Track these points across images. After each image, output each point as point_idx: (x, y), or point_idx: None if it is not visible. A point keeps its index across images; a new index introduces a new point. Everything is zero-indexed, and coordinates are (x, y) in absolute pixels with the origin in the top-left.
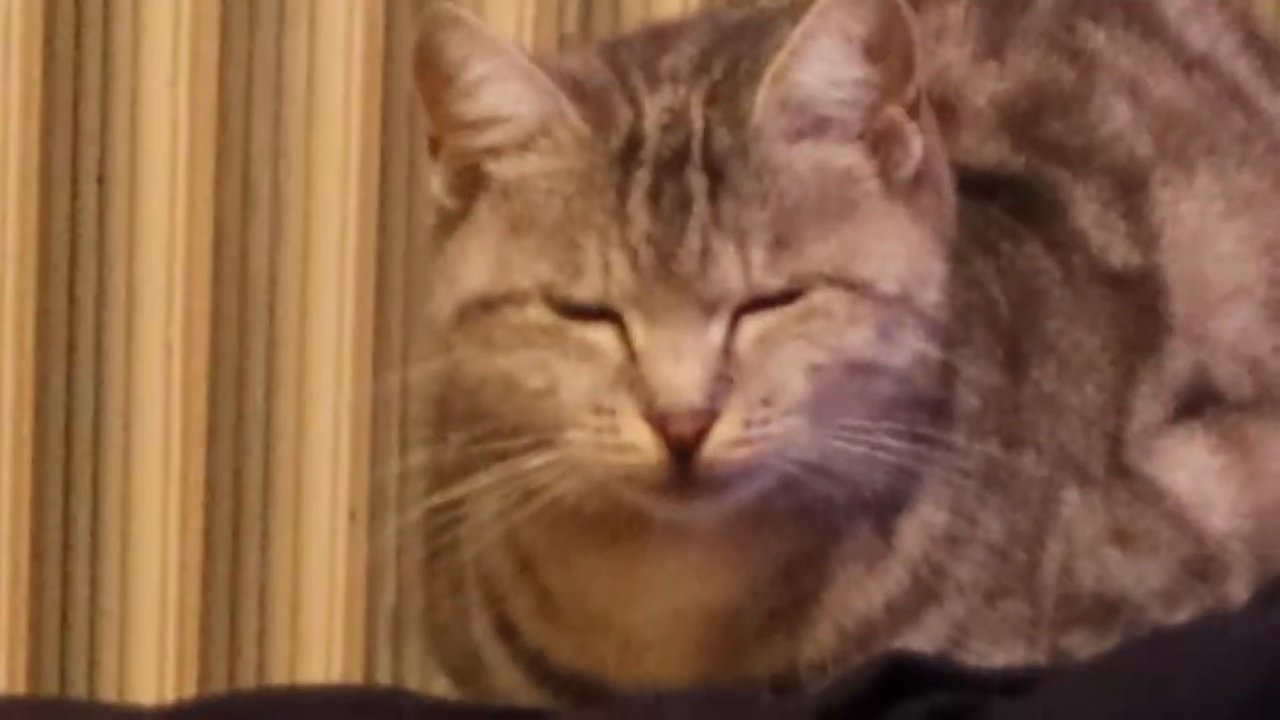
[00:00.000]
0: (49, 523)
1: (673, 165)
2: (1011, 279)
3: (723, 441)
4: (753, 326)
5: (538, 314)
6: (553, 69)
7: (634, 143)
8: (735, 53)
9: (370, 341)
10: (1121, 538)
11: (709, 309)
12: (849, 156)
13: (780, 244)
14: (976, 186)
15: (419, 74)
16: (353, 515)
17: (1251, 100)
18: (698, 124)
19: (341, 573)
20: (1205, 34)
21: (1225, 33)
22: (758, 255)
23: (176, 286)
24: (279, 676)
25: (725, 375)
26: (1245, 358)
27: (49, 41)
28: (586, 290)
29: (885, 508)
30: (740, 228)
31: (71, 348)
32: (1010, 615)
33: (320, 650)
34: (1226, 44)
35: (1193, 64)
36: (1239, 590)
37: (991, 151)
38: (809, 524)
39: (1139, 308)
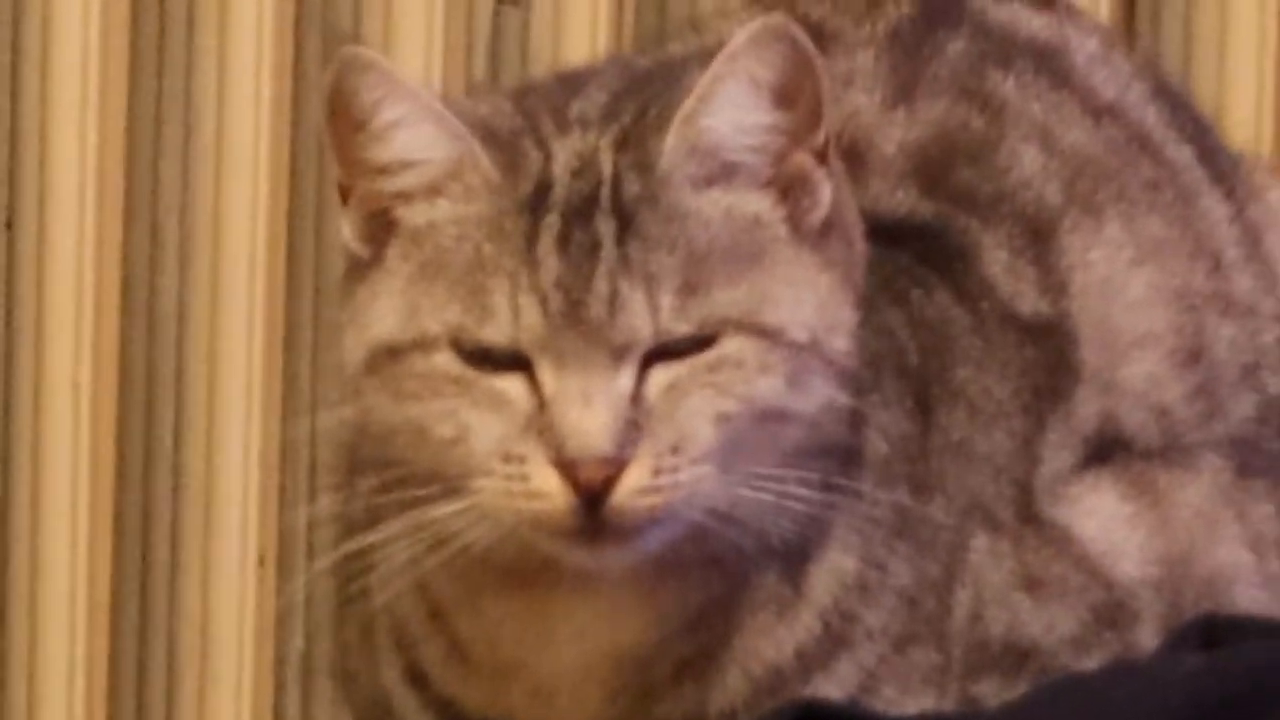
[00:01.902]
0: None
1: (582, 211)
2: (921, 327)
3: (632, 489)
4: (662, 375)
5: (445, 362)
6: (464, 113)
7: (543, 188)
8: (645, 98)
9: (279, 386)
10: (1031, 584)
11: (618, 355)
12: (757, 203)
13: (689, 289)
14: (886, 234)
15: (330, 118)
16: (261, 559)
17: (1159, 148)
18: (607, 170)
19: (250, 617)
20: (1113, 82)
21: (1133, 81)
22: (666, 300)
23: (85, 328)
24: None
25: (634, 422)
26: (1154, 405)
27: None
28: (495, 334)
29: (794, 555)
30: (649, 273)
31: None
32: (920, 662)
33: (229, 695)
34: (1135, 92)
35: (1101, 112)
36: (1148, 637)
37: (901, 199)
38: (718, 572)
39: (1048, 355)
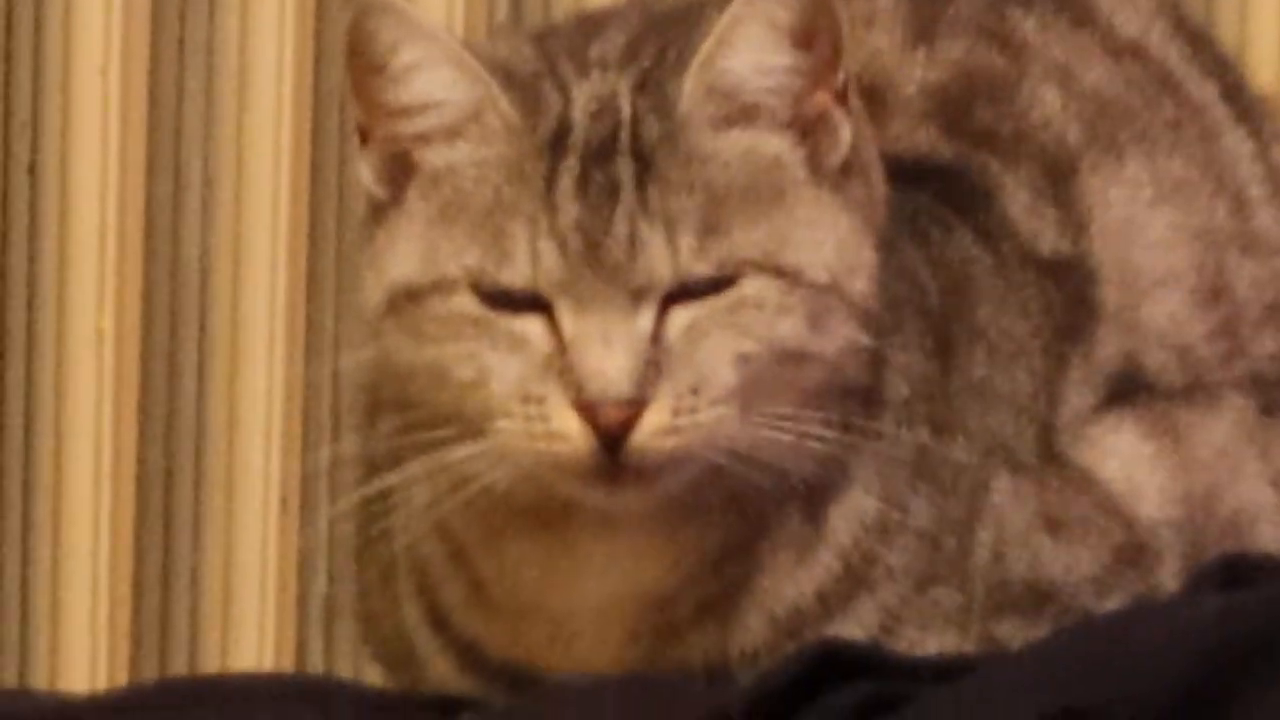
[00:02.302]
0: None
1: (601, 153)
2: (941, 267)
3: (651, 430)
4: (682, 316)
5: (465, 304)
6: (484, 56)
7: (563, 131)
8: (664, 41)
9: (302, 329)
10: (1052, 525)
11: (637, 296)
12: (777, 144)
13: (708, 230)
14: (906, 174)
15: (350, 61)
16: (284, 503)
17: (1181, 87)
18: (626, 112)
19: (273, 560)
20: (1135, 21)
21: (1155, 20)
22: (686, 241)
23: (108, 274)
24: (211, 664)
25: (654, 363)
26: (1175, 345)
27: None
28: (515, 276)
29: (815, 496)
30: (668, 215)
31: (3, 335)
32: (941, 602)
33: (252, 638)
34: (1156, 31)
35: (1123, 51)
36: (1169, 578)
37: (921, 139)
38: (739, 512)
39: (1069, 295)
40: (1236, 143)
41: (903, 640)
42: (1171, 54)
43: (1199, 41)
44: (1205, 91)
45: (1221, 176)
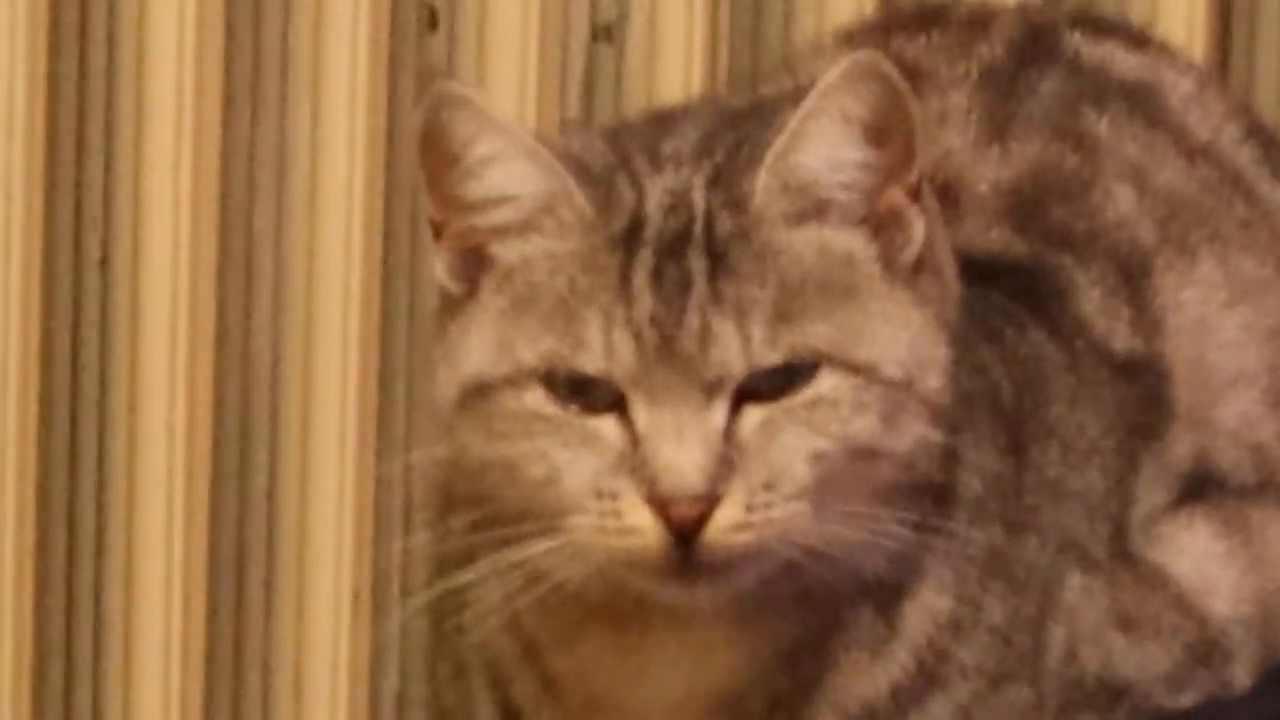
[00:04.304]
0: (52, 604)
1: (675, 247)
2: (1014, 365)
3: (724, 526)
4: (755, 413)
5: (536, 401)
6: (558, 150)
7: (636, 225)
8: (737, 136)
9: (373, 424)
10: (1125, 623)
11: (711, 390)
12: (850, 240)
13: (780, 319)
14: (979, 272)
15: (424, 154)
16: (356, 598)
17: (1253, 189)
18: (700, 206)
19: (345, 656)
20: (1207, 123)
21: (1227, 122)
22: (757, 331)
23: (179, 368)
24: None
25: (727, 459)
26: (1248, 444)
27: (51, 122)
28: (589, 363)
29: (888, 592)
30: (740, 307)
31: (75, 429)
32: (1014, 700)
33: None
34: (1228, 133)
35: (1195, 152)
36: (1242, 675)
37: (994, 237)
38: (812, 608)
39: (1142, 394)
40: None
41: None
42: (1242, 156)
43: (1269, 144)
44: (1275, 194)
45: None
